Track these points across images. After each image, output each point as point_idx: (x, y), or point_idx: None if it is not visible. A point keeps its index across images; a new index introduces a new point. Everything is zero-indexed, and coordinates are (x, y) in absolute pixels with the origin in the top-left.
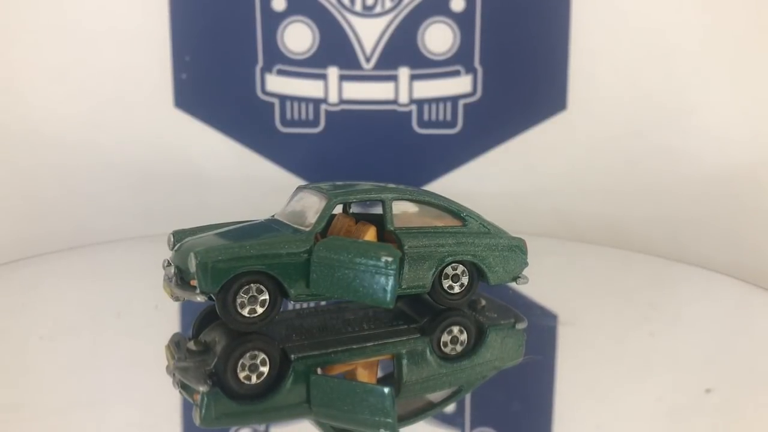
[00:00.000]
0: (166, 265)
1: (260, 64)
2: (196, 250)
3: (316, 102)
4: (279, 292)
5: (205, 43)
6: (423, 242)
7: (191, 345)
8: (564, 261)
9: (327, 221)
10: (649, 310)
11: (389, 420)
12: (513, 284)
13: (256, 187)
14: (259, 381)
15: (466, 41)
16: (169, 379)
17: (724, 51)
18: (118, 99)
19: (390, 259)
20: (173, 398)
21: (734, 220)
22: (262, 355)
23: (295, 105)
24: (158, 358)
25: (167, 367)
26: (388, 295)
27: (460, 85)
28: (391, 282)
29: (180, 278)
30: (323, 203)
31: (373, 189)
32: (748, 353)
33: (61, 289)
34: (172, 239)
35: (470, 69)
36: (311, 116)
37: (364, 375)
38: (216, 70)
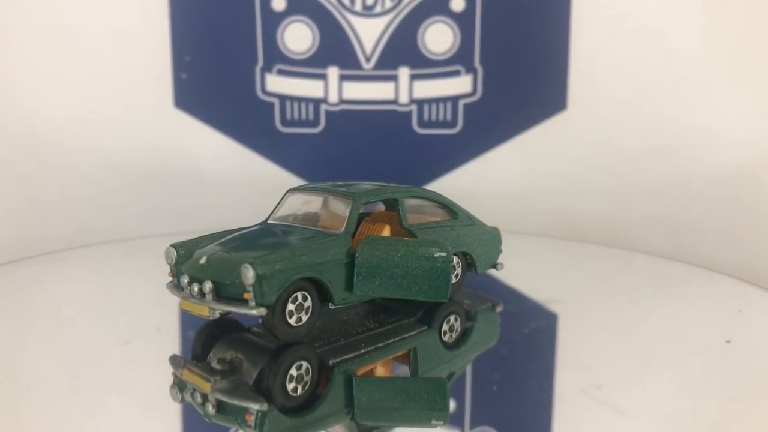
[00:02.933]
0: (187, 282)
1: (260, 64)
2: (250, 260)
3: (316, 102)
4: (319, 299)
5: (205, 43)
6: (432, 236)
7: (215, 364)
8: (564, 261)
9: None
10: (648, 309)
11: (443, 408)
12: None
13: (256, 187)
14: (305, 390)
15: (466, 41)
16: (165, 379)
17: (723, 51)
18: (118, 99)
19: (444, 254)
20: (174, 400)
21: (734, 220)
22: (306, 364)
23: (295, 105)
24: (158, 358)
25: (195, 391)
26: (445, 289)
27: (460, 85)
28: (446, 276)
29: (217, 293)
30: (349, 204)
31: (384, 188)
32: (748, 353)
33: (61, 289)
34: (175, 253)
35: (470, 69)
36: (311, 116)
37: (390, 371)
38: (216, 70)
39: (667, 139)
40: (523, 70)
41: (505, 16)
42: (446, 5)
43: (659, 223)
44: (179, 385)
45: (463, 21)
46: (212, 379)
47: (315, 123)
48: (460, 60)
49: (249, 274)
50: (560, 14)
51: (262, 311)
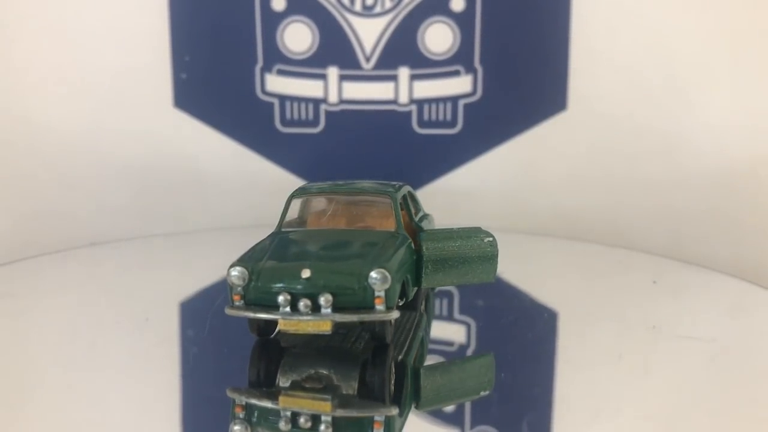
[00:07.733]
0: (288, 300)
1: (260, 64)
2: (379, 265)
3: (316, 102)
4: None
5: (205, 43)
6: (426, 227)
7: (308, 384)
8: (564, 260)
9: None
10: (649, 308)
11: (490, 379)
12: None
13: (256, 187)
14: (395, 388)
15: (466, 41)
16: (165, 380)
17: (723, 49)
18: (118, 99)
19: (491, 238)
20: (174, 398)
21: (734, 217)
22: (392, 364)
23: (295, 105)
24: (157, 358)
25: (297, 417)
26: (495, 271)
27: (460, 85)
28: (496, 258)
29: (334, 305)
30: (390, 203)
31: (394, 185)
32: (748, 352)
33: (61, 289)
34: (247, 273)
35: (470, 69)
36: (311, 116)
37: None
38: (216, 70)
39: (667, 139)
40: (523, 70)
41: (505, 16)
42: (446, 5)
43: (659, 222)
44: (250, 418)
45: (463, 21)
46: (329, 397)
47: (315, 123)
48: (460, 60)
49: (386, 279)
50: (560, 14)
51: (396, 315)
